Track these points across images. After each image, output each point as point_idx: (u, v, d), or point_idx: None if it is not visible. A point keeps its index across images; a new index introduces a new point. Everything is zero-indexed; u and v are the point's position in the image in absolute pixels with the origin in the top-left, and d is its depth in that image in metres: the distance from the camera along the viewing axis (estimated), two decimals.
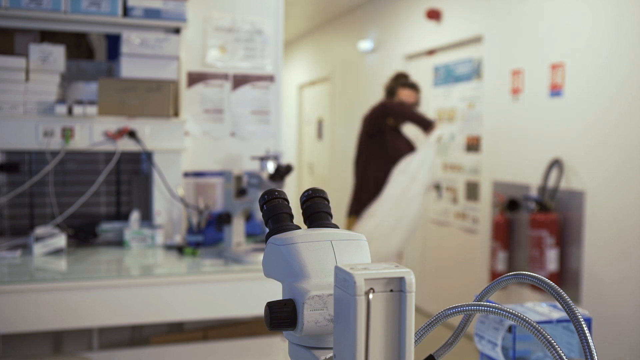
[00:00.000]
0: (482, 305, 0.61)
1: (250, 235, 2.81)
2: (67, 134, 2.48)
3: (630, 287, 3.05)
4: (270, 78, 2.97)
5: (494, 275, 3.91)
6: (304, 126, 8.29)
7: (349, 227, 3.93)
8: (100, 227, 2.67)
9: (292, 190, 7.79)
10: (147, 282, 2.15)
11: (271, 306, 0.62)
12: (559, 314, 1.04)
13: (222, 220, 2.40)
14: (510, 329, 1.00)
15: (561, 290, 0.58)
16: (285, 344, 2.49)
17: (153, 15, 2.60)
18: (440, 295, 4.91)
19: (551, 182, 3.51)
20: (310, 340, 0.63)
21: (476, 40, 4.36)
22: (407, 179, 3.62)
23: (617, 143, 3.12)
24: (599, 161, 3.22)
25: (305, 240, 0.65)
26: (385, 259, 3.64)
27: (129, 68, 2.61)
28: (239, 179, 2.44)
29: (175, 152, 2.67)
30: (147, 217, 2.80)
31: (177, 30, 2.71)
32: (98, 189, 2.76)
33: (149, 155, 2.65)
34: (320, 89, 7.57)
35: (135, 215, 2.62)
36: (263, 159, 2.49)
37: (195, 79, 2.86)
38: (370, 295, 0.53)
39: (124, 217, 2.82)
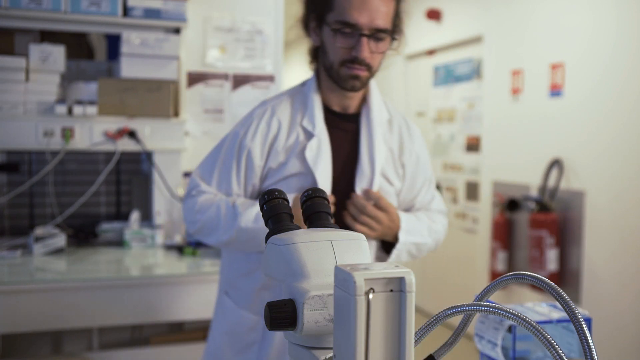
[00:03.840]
0: (482, 305, 0.61)
1: None
2: (67, 134, 2.48)
3: (630, 287, 3.05)
4: (270, 78, 2.97)
5: (494, 275, 3.91)
6: None
7: None
8: (100, 227, 2.67)
9: None
10: (147, 282, 2.15)
11: (271, 306, 0.62)
12: (559, 314, 1.04)
13: None
14: (510, 329, 1.00)
15: (561, 290, 0.58)
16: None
17: (153, 15, 2.60)
18: (440, 295, 4.91)
19: (551, 182, 3.51)
20: (310, 340, 0.63)
21: (476, 40, 4.36)
22: None
23: (617, 143, 3.12)
24: (599, 161, 3.22)
25: (305, 240, 0.65)
26: None
27: (129, 68, 2.61)
28: None
29: (175, 152, 2.67)
30: (147, 217, 2.80)
31: (177, 30, 2.71)
32: (98, 189, 2.76)
33: (149, 155, 2.65)
34: None
35: (135, 215, 2.62)
36: None
37: (195, 79, 2.86)
38: (370, 295, 0.53)
39: (124, 217, 2.82)
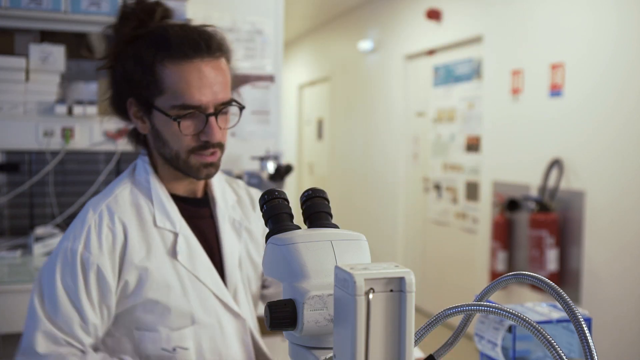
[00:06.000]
0: (482, 305, 0.61)
1: None
2: (67, 134, 2.48)
3: (630, 286, 3.05)
4: (270, 78, 2.97)
5: (494, 275, 3.91)
6: (304, 126, 8.29)
7: None
8: None
9: (292, 190, 7.78)
10: None
11: (271, 306, 0.62)
12: (559, 314, 1.04)
13: None
14: (510, 329, 1.00)
15: (561, 290, 0.58)
16: (285, 344, 2.49)
17: None
18: (440, 295, 4.91)
19: (551, 182, 3.51)
20: (311, 340, 0.63)
21: (476, 40, 4.36)
22: None
23: (617, 143, 3.12)
24: (599, 161, 3.22)
25: (305, 240, 0.65)
26: None
27: None
28: (238, 179, 2.44)
29: None
30: None
31: None
32: (98, 189, 2.76)
33: None
34: (320, 89, 7.57)
35: None
36: (263, 159, 2.49)
37: None
38: (370, 295, 0.53)
39: None
